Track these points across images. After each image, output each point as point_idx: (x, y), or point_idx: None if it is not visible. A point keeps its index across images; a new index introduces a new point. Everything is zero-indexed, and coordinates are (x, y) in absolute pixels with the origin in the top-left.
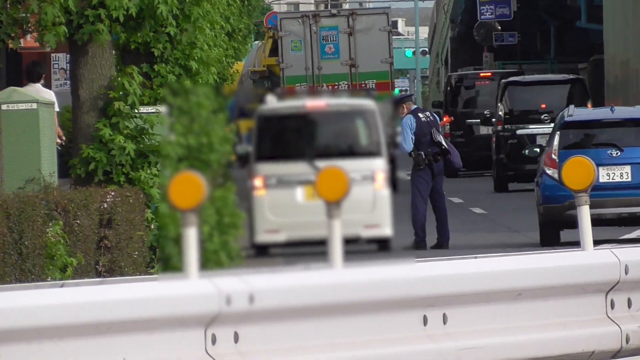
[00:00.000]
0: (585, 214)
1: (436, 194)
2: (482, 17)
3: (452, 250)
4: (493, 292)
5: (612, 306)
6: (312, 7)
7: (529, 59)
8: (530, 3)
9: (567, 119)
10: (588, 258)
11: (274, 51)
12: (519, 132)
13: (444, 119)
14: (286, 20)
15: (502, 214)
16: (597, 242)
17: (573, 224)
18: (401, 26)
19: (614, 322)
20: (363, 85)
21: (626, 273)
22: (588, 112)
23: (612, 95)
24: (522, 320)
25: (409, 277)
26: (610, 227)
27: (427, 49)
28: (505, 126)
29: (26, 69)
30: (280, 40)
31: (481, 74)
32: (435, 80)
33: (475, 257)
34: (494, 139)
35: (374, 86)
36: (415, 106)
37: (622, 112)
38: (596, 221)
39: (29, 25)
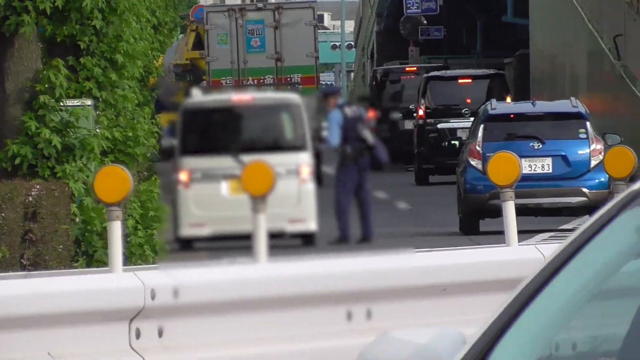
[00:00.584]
0: (510, 209)
1: (361, 188)
2: (408, 11)
3: (376, 245)
4: (418, 288)
5: None
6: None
7: (455, 54)
8: None
9: (490, 112)
10: (512, 253)
11: (197, 45)
12: (439, 125)
13: (370, 114)
14: (212, 13)
15: (427, 209)
16: (531, 232)
17: (494, 213)
18: (327, 20)
19: None
20: (288, 79)
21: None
22: (511, 106)
23: (538, 89)
24: (447, 316)
25: (333, 272)
26: (536, 224)
27: (352, 43)
28: (427, 120)
29: None
30: (206, 33)
31: (407, 69)
32: (360, 75)
33: (400, 252)
34: (415, 133)
35: (299, 80)
36: (342, 100)
37: (544, 106)
38: (519, 211)
39: None
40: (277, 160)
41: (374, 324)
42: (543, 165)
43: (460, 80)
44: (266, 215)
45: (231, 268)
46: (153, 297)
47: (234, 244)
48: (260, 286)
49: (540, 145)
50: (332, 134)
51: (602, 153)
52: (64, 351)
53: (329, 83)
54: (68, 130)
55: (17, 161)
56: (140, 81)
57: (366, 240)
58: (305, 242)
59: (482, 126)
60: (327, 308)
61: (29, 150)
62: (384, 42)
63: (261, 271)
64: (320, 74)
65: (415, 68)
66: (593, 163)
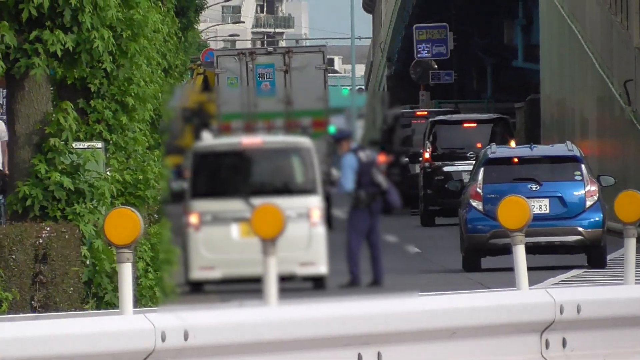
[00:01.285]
0: (520, 253)
1: (372, 232)
2: (419, 55)
3: (387, 289)
4: (428, 331)
5: (547, 346)
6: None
7: (466, 98)
8: (467, 42)
9: (490, 155)
10: (523, 297)
11: (204, 88)
12: (445, 168)
13: (381, 158)
14: (222, 57)
15: (436, 252)
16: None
17: (495, 252)
18: (338, 64)
19: None
20: (298, 122)
21: (561, 313)
22: (509, 150)
23: (548, 133)
24: (457, 359)
25: (344, 315)
26: (546, 270)
27: (363, 87)
28: (433, 163)
29: None
30: (216, 77)
31: (417, 113)
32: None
33: (410, 296)
34: (421, 175)
35: (309, 124)
36: (355, 144)
37: (541, 150)
38: None
39: None
40: (287, 204)
41: None
42: (540, 206)
43: (465, 125)
44: (276, 258)
45: (241, 311)
46: (163, 339)
47: (245, 287)
48: (271, 329)
49: (538, 187)
50: (347, 179)
51: (597, 194)
52: None
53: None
54: (78, 173)
55: (28, 202)
56: (150, 124)
57: (376, 283)
58: (315, 285)
59: (482, 169)
60: (338, 351)
61: (39, 192)
62: (394, 86)
63: (271, 314)
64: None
65: (426, 112)
66: (588, 203)
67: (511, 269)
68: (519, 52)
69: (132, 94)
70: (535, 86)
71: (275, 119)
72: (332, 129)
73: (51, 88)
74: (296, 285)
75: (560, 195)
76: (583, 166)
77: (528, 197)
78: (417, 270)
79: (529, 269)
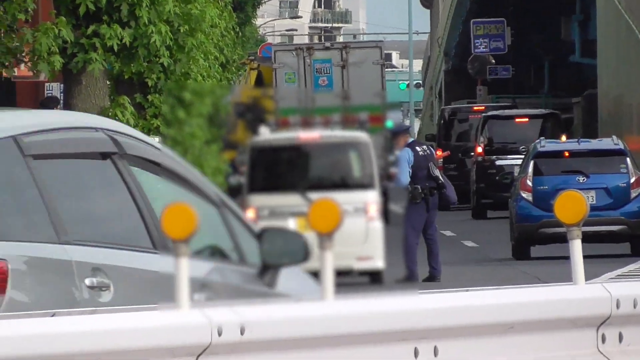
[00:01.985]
0: (577, 248)
1: (429, 227)
2: (476, 50)
3: (443, 283)
4: (484, 326)
5: (604, 340)
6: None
7: (523, 93)
8: (524, 37)
9: (540, 149)
10: (580, 292)
11: (258, 83)
12: (498, 162)
13: (438, 153)
14: (280, 52)
15: (494, 247)
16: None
17: (544, 240)
18: (395, 59)
19: (605, 356)
20: (356, 117)
21: (617, 307)
22: (558, 144)
23: (605, 129)
24: (514, 354)
25: (401, 310)
26: (601, 262)
27: (421, 82)
28: (485, 157)
29: (41, 104)
30: (274, 72)
31: (474, 108)
32: (429, 113)
33: (467, 290)
34: (474, 169)
35: (366, 119)
36: (412, 139)
37: (588, 144)
38: (565, 238)
39: (23, 54)
40: (344, 198)
41: None
42: (587, 197)
43: (517, 120)
44: (333, 253)
45: (298, 305)
46: (220, 334)
47: None
48: (327, 324)
49: (585, 179)
50: (402, 173)
51: None
52: None
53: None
54: None
55: None
56: (208, 119)
57: (433, 278)
58: (372, 280)
59: (532, 162)
60: (394, 346)
61: None
62: (451, 81)
63: (328, 309)
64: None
65: (483, 107)
66: (633, 195)
67: (560, 258)
68: (576, 47)
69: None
70: (593, 82)
71: (333, 114)
72: (389, 123)
73: (108, 83)
74: (353, 280)
75: (606, 186)
76: (628, 159)
77: (576, 189)
78: (473, 265)
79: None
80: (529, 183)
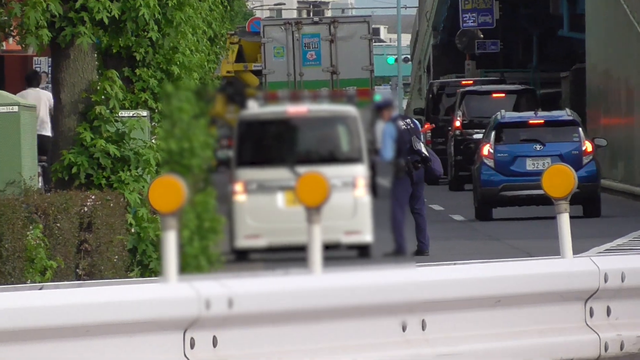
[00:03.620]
0: (564, 221)
1: (416, 201)
2: (465, 25)
3: (431, 257)
4: (472, 299)
5: (592, 314)
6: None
7: (511, 67)
8: (512, 11)
9: (500, 120)
10: (568, 266)
11: (239, 57)
12: (475, 136)
13: (425, 126)
14: (269, 27)
15: (482, 221)
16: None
17: (504, 202)
18: (383, 33)
19: (593, 330)
20: (344, 92)
21: (605, 281)
22: (517, 115)
23: (593, 103)
24: (501, 327)
25: (389, 283)
26: (590, 238)
27: (409, 56)
28: (463, 130)
29: (26, 78)
30: (262, 46)
31: (463, 82)
32: (417, 88)
33: (455, 264)
34: (452, 143)
35: (354, 93)
36: (395, 113)
37: (544, 115)
38: (524, 200)
39: (11, 28)
40: (332, 172)
41: (428, 335)
42: (544, 163)
43: (494, 95)
44: (321, 227)
45: (286, 279)
46: (208, 307)
47: (289, 255)
48: (315, 297)
49: (542, 147)
50: (386, 147)
51: (593, 153)
52: None
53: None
54: (123, 141)
55: (74, 170)
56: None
57: (422, 252)
58: (360, 253)
59: (493, 132)
60: (382, 319)
61: (84, 159)
62: (440, 55)
63: (316, 282)
64: (377, 87)
65: (471, 81)
66: (585, 161)
67: (519, 219)
68: (565, 21)
69: (178, 63)
70: (581, 56)
71: (321, 88)
72: (377, 97)
73: (96, 57)
74: (341, 254)
75: (560, 154)
76: (580, 129)
77: (533, 156)
78: (461, 239)
79: (542, 218)
80: (491, 150)
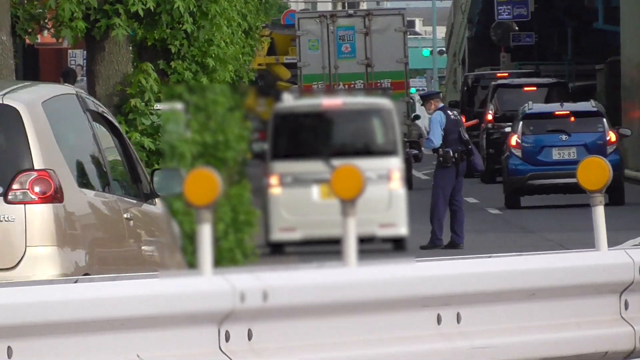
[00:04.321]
0: (599, 214)
1: (456, 194)
2: (500, 17)
3: (466, 250)
4: (507, 292)
5: (626, 307)
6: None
7: (546, 60)
8: (547, 4)
9: (527, 111)
10: (602, 258)
11: (271, 50)
12: (507, 129)
13: (469, 121)
14: (304, 19)
15: (517, 214)
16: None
17: (532, 191)
18: (418, 26)
19: (628, 322)
20: (378, 84)
21: None
22: (544, 106)
23: (628, 95)
24: (536, 320)
25: (424, 276)
26: (625, 230)
27: (444, 49)
28: (495, 124)
29: (62, 74)
30: (297, 39)
31: (498, 74)
32: (452, 80)
33: (489, 257)
34: (485, 136)
35: (389, 85)
36: (442, 104)
37: (570, 106)
38: (551, 188)
39: (46, 21)
40: (367, 165)
41: (463, 328)
42: (569, 153)
43: (525, 88)
44: (356, 220)
45: (320, 271)
46: (242, 300)
47: (324, 248)
48: (349, 290)
49: (567, 137)
50: (435, 135)
51: (616, 143)
52: (153, 354)
53: (420, 89)
54: (159, 134)
55: None
56: (231, 85)
57: (456, 246)
58: (395, 246)
59: (520, 123)
60: (417, 312)
61: None
62: (475, 48)
63: (350, 275)
64: (412, 80)
65: (506, 74)
66: (609, 150)
67: (547, 207)
68: (599, 14)
69: (213, 55)
70: (616, 48)
71: (356, 81)
72: (412, 90)
73: (131, 49)
74: (376, 247)
75: (585, 143)
76: (604, 120)
77: (559, 146)
78: (496, 232)
79: (571, 206)
80: (519, 140)
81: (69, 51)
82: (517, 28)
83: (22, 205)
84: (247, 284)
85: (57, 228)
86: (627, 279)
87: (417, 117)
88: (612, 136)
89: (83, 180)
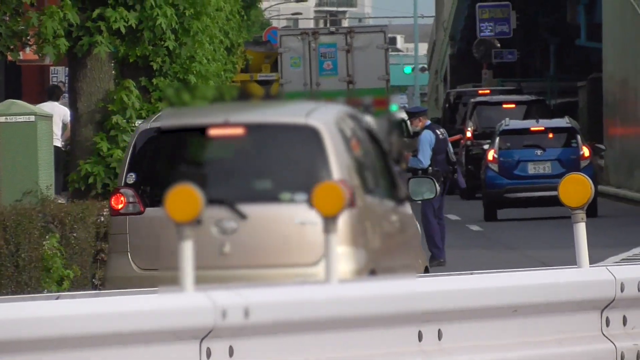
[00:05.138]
0: (581, 231)
1: (440, 211)
2: (482, 34)
3: (448, 267)
4: (489, 308)
5: (608, 323)
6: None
7: (529, 77)
8: (529, 21)
9: (504, 127)
10: (584, 275)
11: (244, 67)
12: (486, 146)
13: (456, 137)
14: (286, 36)
15: (498, 231)
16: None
17: (509, 204)
18: (400, 42)
19: (609, 339)
20: (360, 101)
21: (622, 291)
22: (520, 123)
23: (610, 113)
24: (518, 337)
25: (405, 293)
26: (606, 247)
27: (426, 66)
28: (474, 141)
29: (47, 91)
30: (280, 56)
31: (480, 91)
32: (434, 97)
33: (471, 274)
34: (464, 153)
35: (371, 102)
36: (429, 121)
37: (545, 122)
38: (527, 202)
39: (29, 38)
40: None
41: (444, 345)
42: (544, 167)
43: (504, 105)
44: (337, 237)
45: (302, 288)
46: (224, 317)
47: None
48: (331, 306)
49: (542, 152)
50: (425, 155)
51: (590, 157)
52: None
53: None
54: None
55: (91, 180)
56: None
57: (436, 259)
58: None
59: (497, 138)
60: (399, 328)
61: (101, 169)
62: (457, 65)
63: (332, 291)
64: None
65: (488, 91)
66: (582, 164)
67: (523, 220)
68: (582, 30)
69: (195, 72)
70: (598, 65)
71: (337, 98)
72: (394, 107)
73: (113, 66)
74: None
75: (559, 158)
76: (578, 136)
77: (534, 160)
78: (477, 248)
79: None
80: (496, 156)
81: (51, 68)
82: (499, 45)
83: None
84: (228, 301)
85: (352, 229)
86: (608, 296)
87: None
88: (585, 151)
89: (366, 187)
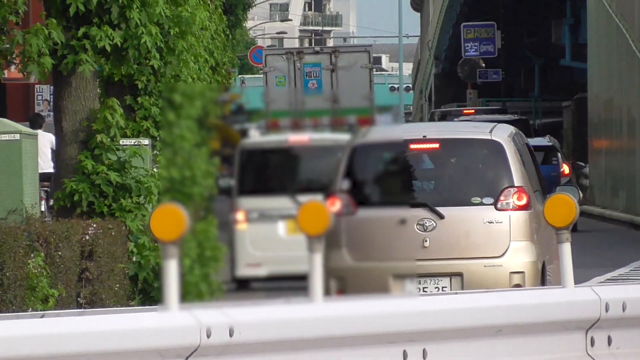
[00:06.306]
0: (566, 251)
1: None
2: (467, 54)
3: None
4: (473, 328)
5: (592, 343)
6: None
7: (513, 96)
8: (514, 41)
9: None
10: (569, 295)
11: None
12: None
13: None
14: (271, 56)
15: None
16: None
17: None
18: (385, 62)
19: (594, 359)
20: (344, 120)
21: (607, 311)
22: None
23: (594, 133)
24: (502, 357)
25: (390, 312)
26: (592, 267)
27: (411, 85)
28: None
29: (29, 120)
30: (265, 75)
31: (464, 111)
32: (418, 117)
33: (456, 294)
34: None
35: (355, 121)
36: None
37: (531, 141)
38: None
39: (13, 56)
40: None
41: None
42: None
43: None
44: (322, 255)
45: (287, 307)
46: (209, 336)
47: (291, 284)
48: (316, 326)
49: None
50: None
51: (571, 174)
52: None
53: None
54: (125, 169)
55: (76, 198)
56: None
57: None
58: None
59: None
60: (383, 348)
61: (86, 187)
62: (441, 84)
63: (317, 311)
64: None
65: (473, 110)
66: (563, 181)
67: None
68: (567, 51)
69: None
70: (583, 85)
71: (322, 117)
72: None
73: (98, 84)
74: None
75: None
76: (559, 154)
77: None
78: None
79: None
80: None
81: (36, 86)
82: (484, 65)
83: (508, 212)
84: (213, 320)
85: (530, 228)
86: (593, 316)
87: None
88: (565, 168)
89: (535, 192)
